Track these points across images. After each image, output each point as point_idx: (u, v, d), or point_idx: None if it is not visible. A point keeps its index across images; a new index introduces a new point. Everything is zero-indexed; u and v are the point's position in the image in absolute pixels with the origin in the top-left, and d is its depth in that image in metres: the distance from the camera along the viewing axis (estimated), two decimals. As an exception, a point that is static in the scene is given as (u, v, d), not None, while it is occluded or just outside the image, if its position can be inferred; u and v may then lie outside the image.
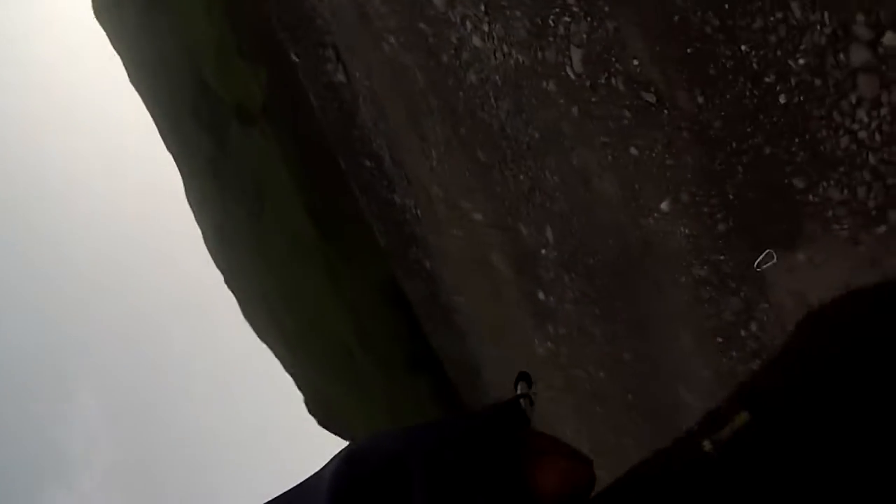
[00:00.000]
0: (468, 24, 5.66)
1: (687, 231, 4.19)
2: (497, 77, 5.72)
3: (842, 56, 2.76)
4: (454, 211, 7.94)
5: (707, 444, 0.97)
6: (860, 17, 2.71)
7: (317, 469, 0.99)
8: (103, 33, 14.94)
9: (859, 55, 2.73)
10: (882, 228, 2.90)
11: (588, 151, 4.87)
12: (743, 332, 4.05)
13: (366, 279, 10.01)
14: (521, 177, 6.01)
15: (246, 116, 9.94)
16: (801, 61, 2.99)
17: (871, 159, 2.81)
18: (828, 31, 2.75)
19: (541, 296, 6.57)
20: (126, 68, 14.55)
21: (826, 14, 2.73)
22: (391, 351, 9.94)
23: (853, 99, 2.79)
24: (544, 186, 5.70)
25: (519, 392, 1.25)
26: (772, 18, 3.04)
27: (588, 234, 5.36)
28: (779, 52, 3.07)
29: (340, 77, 9.05)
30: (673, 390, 5.04)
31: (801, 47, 2.96)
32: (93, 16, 15.02)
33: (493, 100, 5.96)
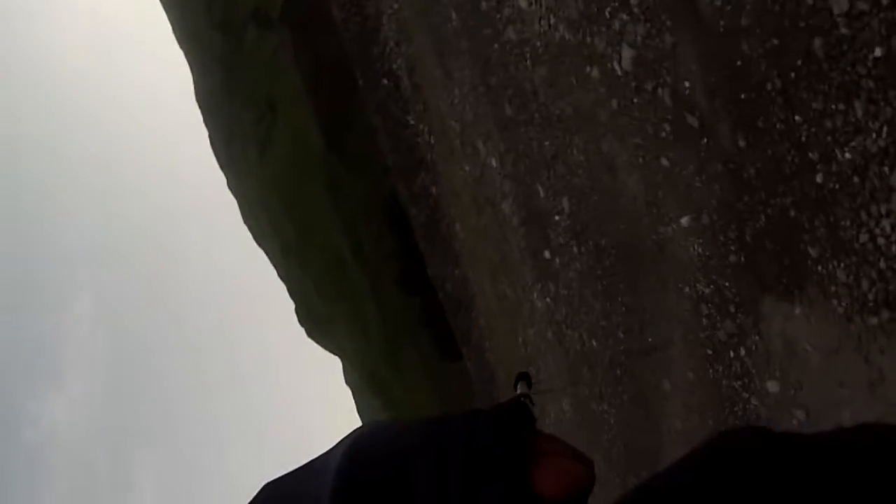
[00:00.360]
0: (516, -21, 5.53)
1: (700, 250, 4.44)
2: (538, 43, 5.66)
3: (886, 169, 2.92)
4: (469, 148, 7.99)
5: None
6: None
7: (320, 455, 0.99)
8: None
9: (904, 173, 2.89)
10: (874, 320, 3.18)
11: (619, 145, 4.99)
12: (731, 353, 4.41)
13: (368, 194, 10.12)
14: (547, 143, 6.10)
15: (263, 20, 9.55)
16: (848, 156, 3.13)
17: (882, 263, 3.05)
18: (881, 143, 2.88)
19: (547, 255, 6.84)
20: None
21: (885, 128, 2.85)
22: (385, 268, 10.23)
23: (883, 209, 2.97)
24: (568, 160, 5.81)
25: (519, 392, 1.23)
26: (833, 106, 3.15)
27: (604, 218, 5.57)
28: (829, 138, 3.20)
29: (367, -10, 8.70)
30: (657, 379, 5.48)
31: (852, 144, 3.09)
32: None
33: (528, 62, 5.92)
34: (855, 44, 2.87)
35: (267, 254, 13.87)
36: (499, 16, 5.95)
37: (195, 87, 13.91)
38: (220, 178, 14.73)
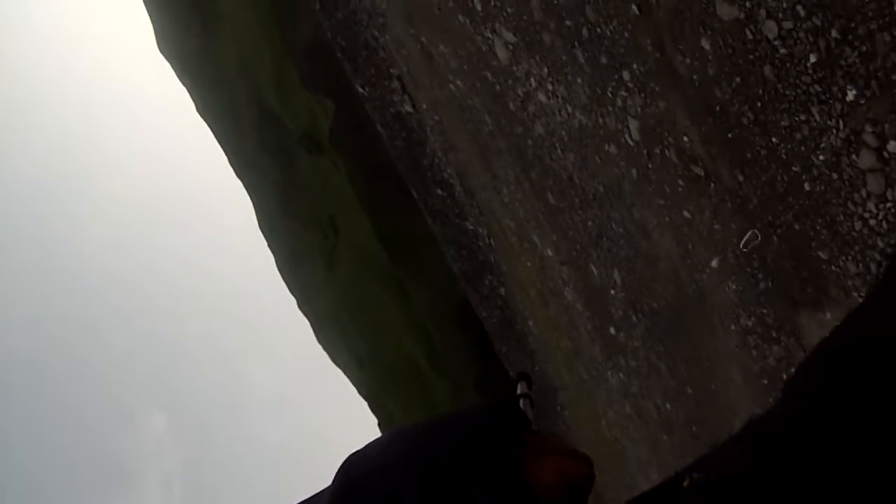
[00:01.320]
0: (532, 80, 6.27)
1: (734, 286, 4.67)
2: (563, 132, 6.31)
3: (854, 157, 3.24)
4: (526, 243, 8.53)
5: (686, 482, 0.95)
6: (868, 128, 3.18)
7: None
8: (168, 66, 15.74)
9: (868, 159, 3.20)
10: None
11: (647, 210, 5.40)
12: (784, 376, 4.49)
13: (437, 303, 10.63)
14: (590, 223, 6.56)
15: (313, 145, 10.67)
16: (821, 157, 3.47)
17: (880, 242, 3.27)
18: (842, 135, 3.23)
19: (612, 331, 7.09)
20: (193, 100, 15.40)
21: (840, 121, 3.21)
22: (463, 373, 10.51)
23: (864, 193, 3.26)
24: (610, 234, 6.24)
25: (519, 392, 1.23)
26: (796, 119, 3.54)
27: (651, 280, 5.87)
28: (803, 148, 3.56)
29: (407, 108, 9.71)
30: (729, 423, 5.48)
31: (822, 146, 3.44)
32: (157, 50, 15.95)
33: (559, 151, 6.55)
34: (794, 58, 3.30)
35: (344, 371, 14.33)
36: (526, 113, 6.69)
37: (257, 215, 14.97)
38: (290, 299, 15.49)
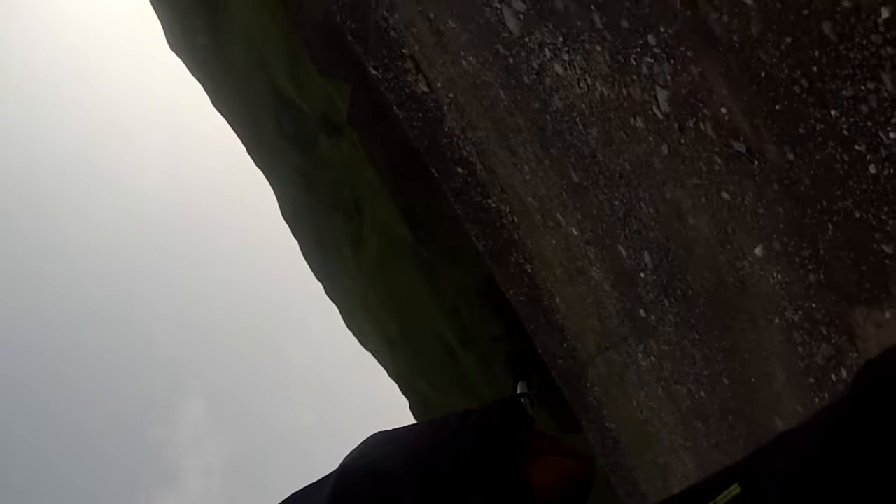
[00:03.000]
0: (546, 51, 5.69)
1: (780, 277, 4.13)
2: (583, 105, 5.73)
3: (934, 138, 2.67)
4: (550, 221, 8.01)
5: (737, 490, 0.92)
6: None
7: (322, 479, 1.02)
8: (180, 62, 15.47)
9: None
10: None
11: (680, 189, 4.85)
12: (833, 377, 3.98)
13: (464, 280, 10.28)
14: (616, 202, 6.02)
15: (332, 128, 10.31)
16: (893, 134, 2.89)
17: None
18: (917, 114, 2.66)
19: (642, 313, 6.59)
20: (207, 93, 15.10)
21: (915, 97, 2.64)
22: (493, 350, 10.19)
23: (946, 182, 2.69)
24: (639, 215, 5.69)
25: (519, 392, 1.23)
26: (862, 87, 2.96)
27: (685, 265, 5.34)
28: (869, 123, 2.99)
29: (423, 87, 9.20)
30: (769, 419, 4.99)
31: (893, 120, 2.87)
32: (167, 48, 15.65)
33: (581, 126, 5.98)
34: (861, 13, 2.72)
35: (374, 354, 14.17)
36: (542, 87, 6.12)
37: (279, 203, 14.74)
38: (317, 286, 15.29)
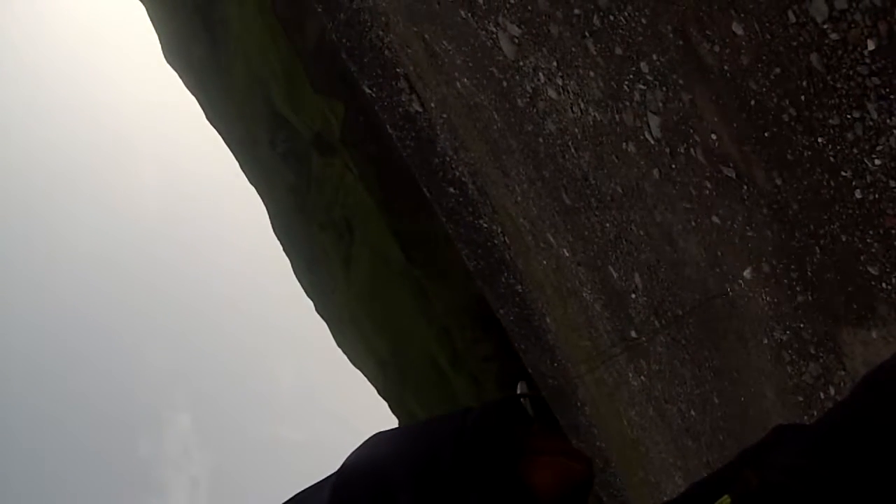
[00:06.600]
0: (541, 75, 5.82)
1: (769, 298, 4.24)
2: (576, 129, 5.86)
3: (917, 165, 2.79)
4: (542, 242, 8.12)
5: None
6: (934, 129, 2.73)
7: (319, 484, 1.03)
8: (175, 76, 15.44)
9: (935, 165, 2.75)
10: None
11: (670, 213, 4.96)
12: (822, 395, 4.08)
13: (454, 301, 10.34)
14: (608, 225, 6.13)
15: (325, 147, 10.41)
16: (878, 162, 3.02)
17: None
18: (902, 141, 2.78)
19: (633, 334, 6.68)
20: (202, 107, 15.12)
21: (900, 125, 2.77)
22: (484, 370, 10.23)
23: (928, 207, 2.81)
24: (630, 237, 5.80)
25: (519, 392, 1.21)
26: (848, 116, 3.08)
27: (675, 287, 5.45)
28: (855, 150, 3.11)
29: (416, 107, 9.33)
30: (759, 437, 5.08)
31: (878, 149, 2.99)
32: (163, 60, 15.64)
33: (573, 150, 6.10)
34: (847, 45, 2.85)
35: (364, 373, 14.12)
36: (535, 110, 6.25)
37: (271, 220, 14.77)
38: (307, 302, 15.24)
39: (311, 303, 14.60)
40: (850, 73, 2.88)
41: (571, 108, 5.70)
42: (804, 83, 3.18)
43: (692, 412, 6.21)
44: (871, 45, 2.72)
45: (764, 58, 3.35)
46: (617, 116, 5.09)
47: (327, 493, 0.96)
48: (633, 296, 6.27)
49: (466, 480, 0.90)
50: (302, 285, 14.53)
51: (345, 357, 14.53)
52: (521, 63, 5.98)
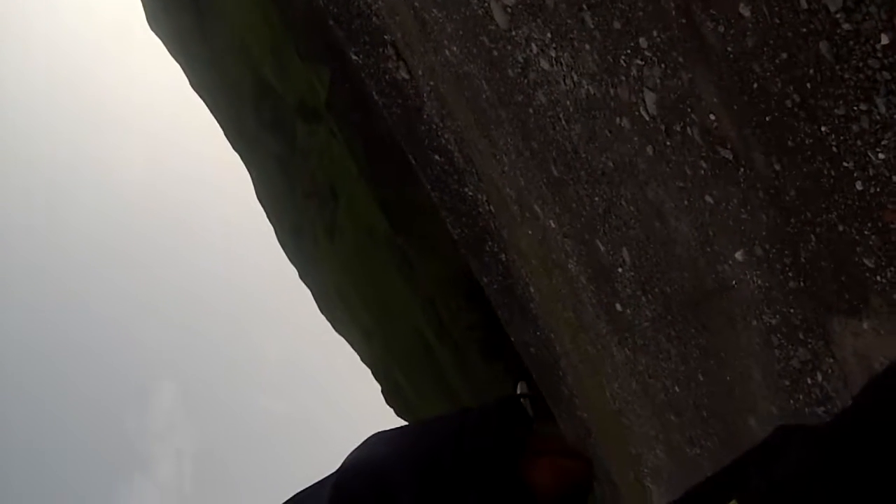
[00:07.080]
0: (533, 46, 5.67)
1: (760, 282, 4.23)
2: (568, 102, 5.74)
3: (922, 163, 2.74)
4: (528, 212, 8.05)
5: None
6: (943, 124, 2.67)
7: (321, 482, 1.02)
8: (159, 42, 14.98)
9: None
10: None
11: (663, 190, 4.90)
12: (809, 381, 4.11)
13: (439, 270, 10.29)
14: (597, 199, 6.07)
15: (310, 114, 10.19)
16: (882, 156, 2.96)
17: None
18: (909, 137, 2.73)
19: (619, 307, 6.69)
20: (186, 74, 14.74)
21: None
22: (468, 339, 10.26)
23: (932, 204, 2.78)
24: (620, 212, 5.75)
25: (519, 392, 1.23)
26: (855, 108, 3.01)
27: (664, 265, 5.42)
28: (859, 142, 3.05)
29: (403, 74, 9.10)
30: (743, 418, 5.14)
31: (883, 143, 2.94)
32: (146, 25, 15.13)
33: (564, 122, 5.99)
34: (860, 37, 2.76)
35: (348, 340, 14.15)
36: (526, 81, 6.11)
37: (255, 188, 14.57)
38: (291, 270, 15.13)
39: (295, 272, 14.52)
40: (861, 65, 2.80)
41: (564, 80, 5.57)
42: (811, 70, 3.10)
43: (676, 388, 6.27)
44: (884, 40, 2.64)
45: (771, 42, 3.25)
46: (612, 91, 4.98)
47: (328, 492, 0.95)
48: (620, 270, 6.25)
49: (467, 480, 0.90)
50: (285, 252, 14.41)
51: (330, 328, 14.55)
52: (514, 33, 5.80)
